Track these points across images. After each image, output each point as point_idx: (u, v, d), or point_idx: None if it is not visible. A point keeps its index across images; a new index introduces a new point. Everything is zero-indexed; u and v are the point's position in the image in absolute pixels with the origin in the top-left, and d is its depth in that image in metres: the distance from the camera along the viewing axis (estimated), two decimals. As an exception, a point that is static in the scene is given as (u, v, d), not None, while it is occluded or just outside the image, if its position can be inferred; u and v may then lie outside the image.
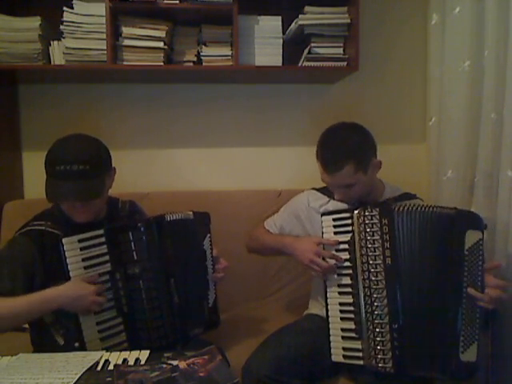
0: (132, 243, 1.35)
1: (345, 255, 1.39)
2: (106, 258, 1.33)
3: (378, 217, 1.33)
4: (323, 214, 1.46)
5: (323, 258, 1.41)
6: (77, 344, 1.28)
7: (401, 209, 1.33)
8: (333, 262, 1.39)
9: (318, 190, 1.64)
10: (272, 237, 1.67)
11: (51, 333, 1.34)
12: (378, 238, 1.32)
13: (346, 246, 1.38)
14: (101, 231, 1.32)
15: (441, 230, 1.31)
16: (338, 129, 1.48)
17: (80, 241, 1.29)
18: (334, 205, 1.55)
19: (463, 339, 1.26)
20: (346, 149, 1.41)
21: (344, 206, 1.51)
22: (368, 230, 1.34)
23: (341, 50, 1.90)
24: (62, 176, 1.28)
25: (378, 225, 1.33)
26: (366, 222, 1.34)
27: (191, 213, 1.50)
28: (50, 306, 1.26)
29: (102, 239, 1.32)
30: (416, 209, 1.33)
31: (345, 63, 1.89)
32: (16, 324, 1.33)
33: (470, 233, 1.28)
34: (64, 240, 1.27)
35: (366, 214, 1.34)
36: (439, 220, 1.32)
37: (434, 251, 1.31)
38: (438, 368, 1.28)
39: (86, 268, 1.29)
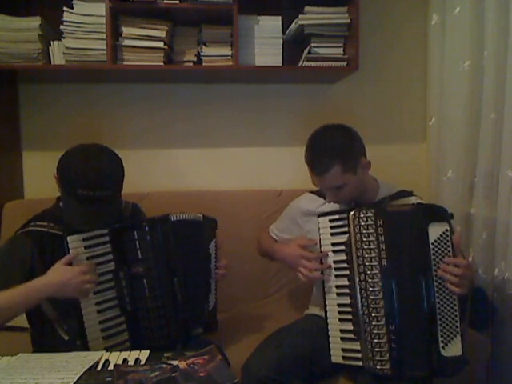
0: (137, 242, 1.35)
1: (342, 256, 1.39)
2: (110, 256, 1.33)
3: (373, 218, 1.33)
4: (320, 216, 1.46)
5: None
6: (79, 342, 1.28)
7: (394, 209, 1.34)
8: (318, 266, 1.41)
9: (313, 192, 1.64)
10: (267, 243, 1.71)
11: (55, 329, 1.33)
12: (373, 239, 1.32)
13: (343, 248, 1.38)
14: (105, 230, 1.33)
15: (406, 227, 1.32)
16: (323, 131, 1.48)
17: (84, 239, 1.30)
18: (330, 206, 1.54)
19: (442, 334, 1.25)
20: (331, 150, 1.40)
21: (341, 206, 1.50)
22: (364, 231, 1.33)
23: (341, 50, 1.90)
24: (83, 200, 1.26)
25: (374, 226, 1.32)
26: (362, 223, 1.34)
27: (201, 215, 1.50)
28: (36, 297, 1.24)
29: (106, 238, 1.33)
30: (400, 208, 1.35)
31: (345, 63, 1.89)
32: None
33: (433, 225, 1.28)
34: (69, 238, 1.27)
35: (361, 215, 1.34)
36: (404, 218, 1.33)
37: (407, 249, 1.31)
38: (424, 366, 1.27)
39: None
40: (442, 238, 1.28)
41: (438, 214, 1.31)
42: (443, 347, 1.25)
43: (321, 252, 1.44)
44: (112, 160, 1.34)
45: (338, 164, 1.38)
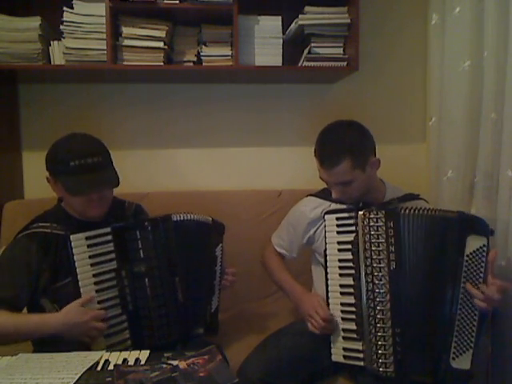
0: (139, 242, 1.36)
1: (347, 255, 1.38)
2: (112, 255, 1.34)
3: (383, 219, 1.32)
4: (326, 213, 1.45)
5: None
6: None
7: (407, 211, 1.32)
8: (326, 327, 1.38)
9: (316, 195, 1.62)
10: (282, 277, 1.63)
11: None
12: (382, 241, 1.31)
13: (349, 246, 1.37)
14: (108, 229, 1.34)
15: (442, 233, 1.30)
16: (336, 125, 1.48)
17: (87, 238, 1.31)
18: (335, 207, 1.54)
19: (455, 345, 1.25)
20: (343, 144, 1.40)
21: (347, 206, 1.49)
22: (373, 232, 1.33)
23: (341, 50, 1.90)
24: (78, 170, 1.30)
25: (384, 227, 1.31)
26: (371, 224, 1.33)
27: (210, 218, 1.52)
28: (45, 331, 1.25)
29: (109, 237, 1.34)
30: (421, 212, 1.32)
31: (345, 63, 1.89)
32: (8, 341, 1.28)
33: (472, 238, 1.26)
34: (72, 237, 1.28)
35: (372, 215, 1.33)
36: (441, 223, 1.31)
37: (434, 255, 1.30)
38: (429, 372, 1.27)
39: (92, 265, 1.31)
40: (477, 253, 1.26)
41: (479, 227, 1.29)
42: (454, 358, 1.25)
43: (325, 255, 1.43)
44: (89, 136, 1.40)
45: (348, 159, 1.37)
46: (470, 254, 1.27)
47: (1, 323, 1.24)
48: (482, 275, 1.26)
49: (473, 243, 1.27)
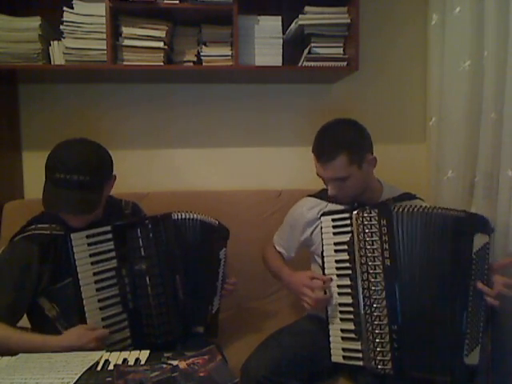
0: (140, 240, 1.37)
1: (344, 256, 1.39)
2: (113, 254, 1.34)
3: (376, 218, 1.33)
4: (322, 215, 1.46)
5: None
6: None
7: (400, 209, 1.33)
8: (322, 293, 1.39)
9: (314, 196, 1.63)
10: (275, 264, 1.66)
11: (56, 327, 1.32)
12: (376, 238, 1.32)
13: (345, 247, 1.38)
14: (108, 227, 1.34)
15: (448, 231, 1.30)
16: (334, 123, 1.49)
17: (88, 236, 1.31)
18: (332, 207, 1.54)
19: (468, 342, 1.26)
20: (340, 140, 1.41)
21: (344, 207, 1.50)
22: (367, 230, 1.34)
23: (341, 50, 1.90)
24: (60, 184, 1.26)
25: (377, 226, 1.33)
26: (365, 222, 1.34)
27: (216, 221, 1.53)
28: (49, 351, 1.21)
29: (109, 235, 1.34)
30: (417, 210, 1.33)
31: (345, 63, 1.89)
32: (9, 352, 1.23)
33: (478, 236, 1.28)
34: (72, 235, 1.29)
35: (365, 214, 1.34)
36: (446, 221, 1.31)
37: (439, 253, 1.30)
38: (439, 370, 1.27)
39: (92, 264, 1.31)
40: (482, 250, 1.27)
41: (483, 225, 1.30)
42: (466, 355, 1.26)
43: (322, 256, 1.44)
44: (92, 149, 1.34)
45: (344, 154, 1.38)
46: (477, 251, 1.28)
47: (4, 338, 1.23)
48: (486, 272, 1.28)
49: (478, 241, 1.28)
